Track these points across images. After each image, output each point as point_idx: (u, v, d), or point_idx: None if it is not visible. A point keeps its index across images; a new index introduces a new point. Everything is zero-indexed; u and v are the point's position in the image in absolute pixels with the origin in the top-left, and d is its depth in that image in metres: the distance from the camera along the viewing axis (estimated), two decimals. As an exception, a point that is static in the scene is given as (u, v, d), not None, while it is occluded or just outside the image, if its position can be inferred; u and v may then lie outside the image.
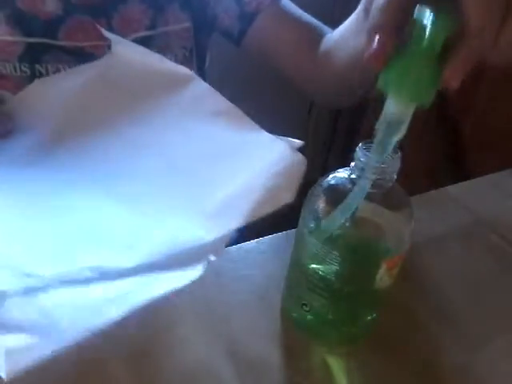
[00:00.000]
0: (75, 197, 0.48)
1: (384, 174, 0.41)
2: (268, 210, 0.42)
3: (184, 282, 0.38)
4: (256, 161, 0.46)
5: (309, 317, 0.48)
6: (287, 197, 0.43)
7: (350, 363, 0.48)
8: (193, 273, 0.39)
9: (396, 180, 0.42)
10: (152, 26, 0.67)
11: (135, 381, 0.45)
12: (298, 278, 0.48)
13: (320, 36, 0.71)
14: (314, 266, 0.45)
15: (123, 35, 0.60)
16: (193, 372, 0.46)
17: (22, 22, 0.61)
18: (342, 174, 0.44)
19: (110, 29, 0.64)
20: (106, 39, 0.62)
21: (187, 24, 0.70)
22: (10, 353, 0.33)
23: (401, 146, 0.42)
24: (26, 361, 0.33)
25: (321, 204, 0.44)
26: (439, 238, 0.64)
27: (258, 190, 0.43)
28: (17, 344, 0.34)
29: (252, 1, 0.70)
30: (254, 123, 0.51)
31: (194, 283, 0.55)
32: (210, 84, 0.55)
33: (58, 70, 0.64)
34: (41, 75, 0.63)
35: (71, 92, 0.55)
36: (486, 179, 0.78)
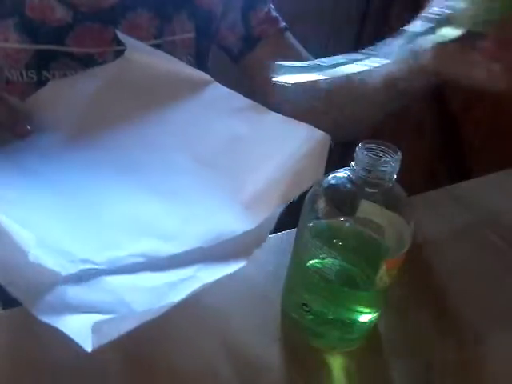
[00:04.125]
0: (112, 190, 0.48)
1: (384, 174, 0.41)
2: (300, 190, 0.43)
3: (231, 271, 0.40)
4: (282, 146, 0.47)
5: (309, 317, 0.48)
6: (317, 175, 0.44)
7: (350, 363, 0.48)
8: (239, 263, 0.40)
9: (396, 180, 0.42)
10: (159, 35, 0.67)
11: (135, 381, 0.45)
12: (298, 278, 0.48)
13: None
14: (314, 265, 0.45)
15: None
16: (193, 372, 0.46)
17: (30, 29, 0.61)
18: (341, 173, 0.44)
19: (116, 36, 0.63)
20: (113, 45, 0.63)
21: (192, 34, 0.70)
22: (96, 328, 0.34)
23: (400, 146, 0.42)
24: (111, 335, 0.35)
25: (321, 204, 0.44)
26: (439, 238, 0.64)
27: (288, 174, 0.45)
28: (98, 320, 0.35)
29: (258, 25, 0.71)
30: (274, 113, 0.51)
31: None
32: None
33: (65, 77, 0.64)
34: (47, 82, 0.62)
35: (88, 93, 0.56)
36: (486, 179, 0.78)
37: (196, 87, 0.55)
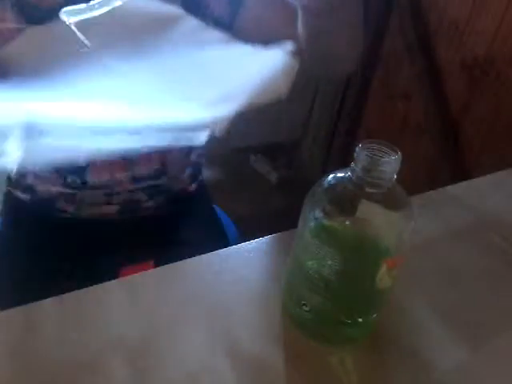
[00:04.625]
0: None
1: (384, 174, 0.41)
2: (263, 99, 0.49)
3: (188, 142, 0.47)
4: (251, 63, 0.54)
5: (309, 317, 0.48)
6: (281, 91, 0.49)
7: (350, 363, 0.48)
8: (197, 137, 0.48)
9: (396, 180, 0.42)
10: None
11: (135, 380, 0.45)
12: (298, 278, 0.48)
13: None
14: (314, 265, 0.45)
15: None
16: (193, 372, 0.46)
17: (25, 9, 0.62)
18: (341, 173, 0.44)
19: None
20: None
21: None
22: None
23: (400, 146, 0.42)
24: None
25: (321, 204, 0.44)
26: (439, 238, 0.64)
27: (255, 83, 0.51)
28: None
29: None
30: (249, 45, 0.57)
31: (194, 283, 0.55)
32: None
33: None
34: None
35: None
36: (486, 179, 0.78)
37: (169, 21, 0.59)
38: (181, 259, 0.57)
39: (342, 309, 0.47)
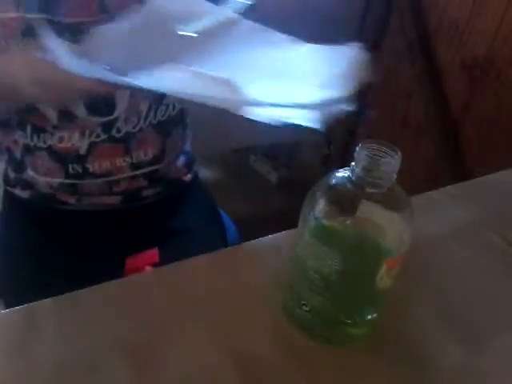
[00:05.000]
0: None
1: (384, 174, 0.41)
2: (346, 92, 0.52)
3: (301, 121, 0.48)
4: (333, 58, 0.58)
5: (309, 317, 0.48)
6: (356, 84, 0.52)
7: (349, 363, 0.48)
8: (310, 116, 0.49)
9: (396, 180, 0.42)
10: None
11: (135, 380, 0.45)
12: (298, 278, 0.48)
13: None
14: (314, 265, 0.45)
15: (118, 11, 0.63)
16: (193, 372, 0.46)
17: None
18: (341, 173, 0.44)
19: (103, 5, 0.66)
20: (102, 14, 0.65)
21: None
22: None
23: (400, 146, 0.42)
24: None
25: (321, 204, 0.44)
26: (439, 238, 0.64)
27: (343, 75, 0.54)
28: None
29: None
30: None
31: (194, 283, 0.55)
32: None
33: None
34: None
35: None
36: (486, 179, 0.78)
37: (224, 24, 0.62)
38: (183, 246, 0.57)
39: (342, 309, 0.47)
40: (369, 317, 0.49)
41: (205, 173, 0.94)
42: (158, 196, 0.84)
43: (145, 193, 0.82)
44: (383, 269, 0.43)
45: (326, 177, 0.45)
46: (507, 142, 1.25)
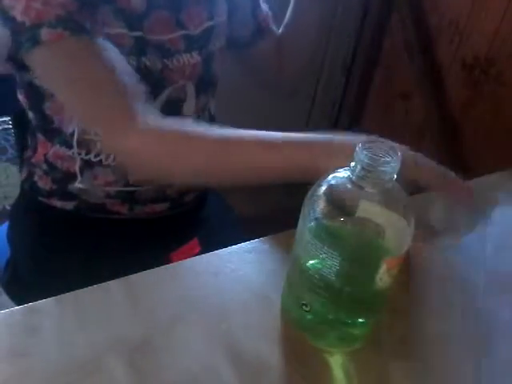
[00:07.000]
0: None
1: (384, 174, 0.41)
2: None
3: None
4: None
5: (309, 317, 0.48)
6: None
7: (349, 363, 0.48)
8: None
9: (396, 180, 0.42)
10: (211, 17, 0.72)
11: (135, 380, 0.45)
12: (298, 278, 0.48)
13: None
14: (314, 265, 0.45)
15: (193, 28, 0.69)
16: (193, 372, 0.46)
17: (125, 17, 0.63)
18: (341, 173, 0.44)
19: (178, 22, 0.68)
20: (180, 30, 0.68)
21: (224, 17, 0.76)
22: None
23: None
24: None
25: (321, 204, 0.44)
26: (439, 238, 0.64)
27: None
28: None
29: (263, 20, 0.81)
30: None
31: (194, 283, 0.55)
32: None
33: (154, 64, 0.66)
34: (145, 67, 0.66)
35: None
36: (486, 179, 0.78)
37: None
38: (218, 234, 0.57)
39: (342, 309, 0.47)
40: (368, 317, 0.49)
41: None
42: (197, 200, 0.87)
43: (186, 198, 0.84)
44: (383, 269, 0.43)
45: (326, 177, 0.45)
46: (507, 142, 1.25)
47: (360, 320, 0.48)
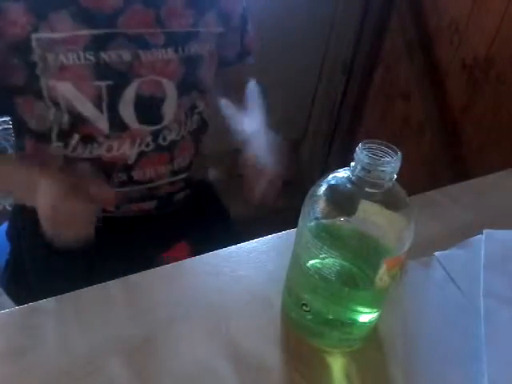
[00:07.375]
0: None
1: (384, 174, 0.41)
2: None
3: None
4: None
5: (309, 317, 0.48)
6: None
7: (350, 363, 0.48)
8: None
9: (396, 180, 0.42)
10: (194, 25, 0.73)
11: (135, 380, 0.45)
12: (298, 278, 0.48)
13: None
14: (314, 265, 0.45)
15: (175, 26, 0.69)
16: (193, 372, 0.46)
17: (86, 17, 0.64)
18: (341, 173, 0.44)
19: (158, 19, 0.69)
20: (160, 27, 0.68)
21: (220, 29, 0.78)
22: None
23: (401, 146, 0.42)
24: None
25: (321, 204, 0.44)
26: (439, 238, 0.64)
27: None
28: None
29: (248, 44, 0.87)
30: None
31: (194, 283, 0.55)
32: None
33: (119, 57, 0.67)
34: (104, 62, 0.66)
35: None
36: (486, 179, 0.78)
37: None
38: (207, 240, 0.60)
39: (341, 309, 0.47)
40: (368, 317, 0.49)
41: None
42: (187, 199, 0.87)
43: (176, 197, 0.84)
44: (383, 269, 0.43)
45: (326, 177, 0.45)
46: (507, 142, 1.25)
47: (360, 320, 0.48)
